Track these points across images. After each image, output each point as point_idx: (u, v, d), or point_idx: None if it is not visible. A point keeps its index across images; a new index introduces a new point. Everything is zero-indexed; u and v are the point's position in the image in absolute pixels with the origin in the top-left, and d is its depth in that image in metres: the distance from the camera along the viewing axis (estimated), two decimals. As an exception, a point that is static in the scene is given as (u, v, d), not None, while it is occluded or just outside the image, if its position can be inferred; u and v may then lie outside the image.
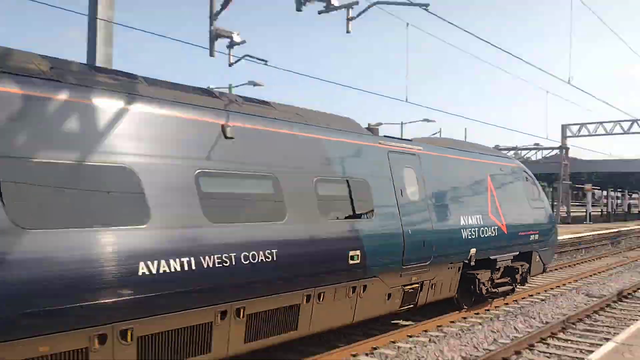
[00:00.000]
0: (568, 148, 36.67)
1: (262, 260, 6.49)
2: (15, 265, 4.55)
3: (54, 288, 4.78)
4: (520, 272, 12.63)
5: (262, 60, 9.98)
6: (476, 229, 10.85)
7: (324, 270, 7.44)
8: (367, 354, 8.60)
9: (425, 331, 10.07)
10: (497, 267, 11.72)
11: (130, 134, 5.71)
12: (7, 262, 4.51)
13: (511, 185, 13.03)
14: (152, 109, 6.00)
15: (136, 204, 5.52)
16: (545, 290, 14.77)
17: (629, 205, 73.66)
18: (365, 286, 8.15)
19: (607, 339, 7.90)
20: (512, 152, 38.37)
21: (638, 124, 34.55)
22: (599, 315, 11.86)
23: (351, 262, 7.76)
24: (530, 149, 38.44)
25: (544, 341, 9.58)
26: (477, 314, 11.62)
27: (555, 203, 40.60)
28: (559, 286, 15.55)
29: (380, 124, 24.92)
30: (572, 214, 42.37)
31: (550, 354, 8.92)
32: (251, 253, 6.37)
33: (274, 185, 6.98)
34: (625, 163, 39.67)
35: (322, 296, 7.44)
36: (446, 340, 9.34)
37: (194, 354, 6.04)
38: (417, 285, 9.40)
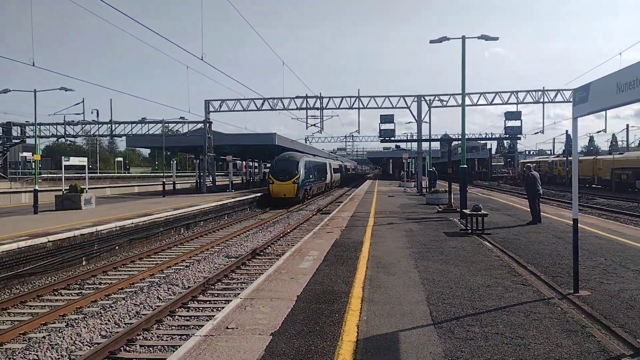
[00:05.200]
0: (211, 122, 39.14)
1: None
2: None
3: None
4: None
5: None
6: None
7: None
8: (-12, 355, 7.51)
9: (64, 316, 9.37)
10: None
11: None
12: None
13: None
14: None
15: None
16: (190, 257, 15.50)
17: (264, 174, 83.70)
18: None
19: (237, 295, 8.70)
20: (159, 125, 38.78)
21: (282, 102, 39.19)
22: (235, 273, 13.07)
23: None
24: (177, 122, 39.58)
25: (185, 305, 10.02)
26: (122, 289, 11.39)
27: (201, 173, 43.30)
28: (202, 251, 16.53)
29: (8, 90, 21.69)
30: (218, 182, 45.75)
31: (190, 317, 9.39)
32: None
33: None
34: (259, 136, 45.12)
35: None
36: (85, 321, 8.87)
37: None
38: None
